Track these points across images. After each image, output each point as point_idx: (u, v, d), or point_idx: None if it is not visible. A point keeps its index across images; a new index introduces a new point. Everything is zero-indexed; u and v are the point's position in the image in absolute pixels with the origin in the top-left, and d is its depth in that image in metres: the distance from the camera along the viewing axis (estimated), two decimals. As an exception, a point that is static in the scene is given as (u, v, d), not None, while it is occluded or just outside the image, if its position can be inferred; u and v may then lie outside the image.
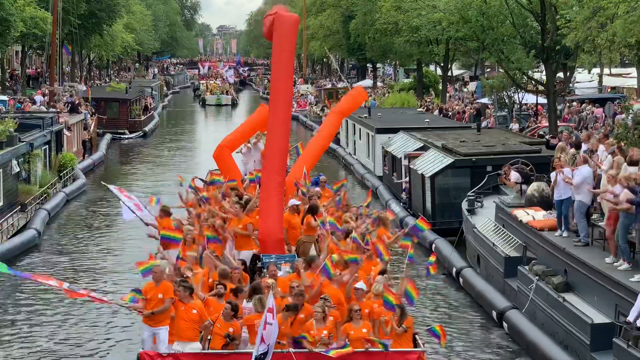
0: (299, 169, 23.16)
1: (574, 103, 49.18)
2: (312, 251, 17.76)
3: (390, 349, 13.79)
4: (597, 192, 18.85)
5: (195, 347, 13.98)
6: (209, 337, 14.10)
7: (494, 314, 20.91)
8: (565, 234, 20.06)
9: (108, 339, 20.09)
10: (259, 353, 12.52)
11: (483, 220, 25.37)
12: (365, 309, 14.54)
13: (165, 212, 19.18)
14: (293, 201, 19.47)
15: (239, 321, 14.00)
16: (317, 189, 22.19)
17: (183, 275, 15.05)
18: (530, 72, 40.99)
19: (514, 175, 25.77)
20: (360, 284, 14.99)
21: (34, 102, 52.74)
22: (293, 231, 18.77)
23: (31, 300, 23.01)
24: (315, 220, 18.33)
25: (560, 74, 43.92)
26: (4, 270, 14.40)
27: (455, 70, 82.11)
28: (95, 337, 20.19)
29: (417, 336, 14.53)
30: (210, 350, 13.86)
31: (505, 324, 20.24)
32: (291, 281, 15.08)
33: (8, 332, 20.55)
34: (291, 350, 13.40)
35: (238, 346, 13.78)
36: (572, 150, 22.28)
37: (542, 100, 45.45)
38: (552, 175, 20.85)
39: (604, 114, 42.75)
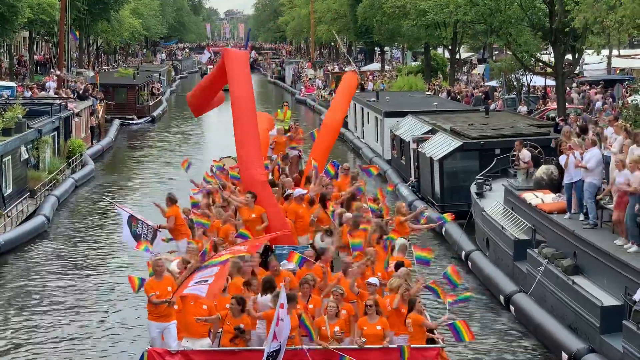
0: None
1: (575, 85, 49.03)
2: (317, 240, 17.67)
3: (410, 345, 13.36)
4: (617, 188, 18.30)
5: (205, 343, 13.72)
6: (219, 332, 13.83)
7: (502, 298, 20.91)
8: (581, 217, 19.93)
9: (114, 334, 19.62)
10: (271, 350, 12.21)
11: (492, 203, 25.34)
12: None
13: (172, 200, 19.05)
14: (299, 190, 19.26)
15: (253, 316, 13.65)
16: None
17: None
18: (538, 54, 40.81)
19: (526, 154, 25.50)
20: (374, 279, 14.58)
21: (43, 88, 52.78)
22: (300, 221, 18.57)
23: (34, 297, 22.60)
24: (325, 210, 18.20)
25: (569, 56, 43.69)
26: None
27: (463, 53, 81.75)
28: (101, 334, 19.68)
29: (435, 331, 14.10)
30: (220, 348, 13.56)
31: (512, 308, 20.24)
32: (305, 274, 14.64)
33: (11, 327, 20.22)
34: (304, 347, 13.09)
35: (248, 341, 13.51)
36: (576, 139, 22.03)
37: (551, 82, 45.30)
38: (562, 158, 20.76)
39: (611, 96, 42.63)
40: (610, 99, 41.68)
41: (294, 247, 17.20)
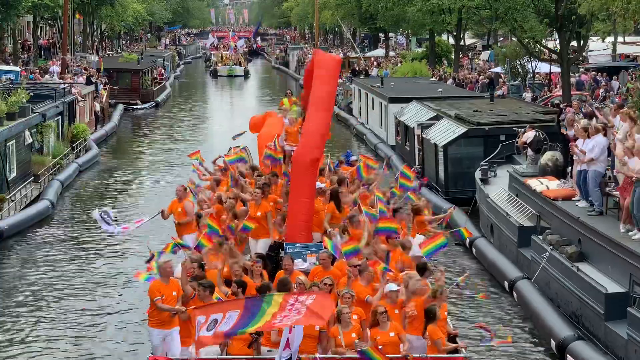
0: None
1: (582, 70, 48.98)
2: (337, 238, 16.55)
3: (428, 355, 12.68)
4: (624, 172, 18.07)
5: (213, 350, 12.78)
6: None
7: (506, 284, 20.88)
8: (583, 203, 19.75)
9: (117, 342, 18.59)
10: (283, 359, 11.59)
11: (496, 189, 25.30)
12: (395, 309, 13.28)
13: (184, 191, 18.52)
14: (318, 184, 18.07)
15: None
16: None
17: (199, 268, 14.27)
18: (543, 40, 40.71)
19: (529, 135, 25.12)
20: (392, 286, 13.56)
21: (46, 72, 52.72)
22: (316, 216, 17.38)
23: (38, 283, 22.34)
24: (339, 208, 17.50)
25: (574, 43, 43.59)
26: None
27: (468, 39, 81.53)
28: (100, 342, 18.59)
29: (457, 339, 13.51)
30: (227, 356, 12.77)
31: (515, 294, 20.20)
32: (323, 278, 13.71)
33: (13, 314, 19.97)
34: (317, 356, 12.29)
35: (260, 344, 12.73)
36: (584, 121, 21.89)
37: (556, 69, 45.21)
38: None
39: (594, 80, 42.76)
40: (594, 84, 41.78)
41: (306, 245, 16.42)
